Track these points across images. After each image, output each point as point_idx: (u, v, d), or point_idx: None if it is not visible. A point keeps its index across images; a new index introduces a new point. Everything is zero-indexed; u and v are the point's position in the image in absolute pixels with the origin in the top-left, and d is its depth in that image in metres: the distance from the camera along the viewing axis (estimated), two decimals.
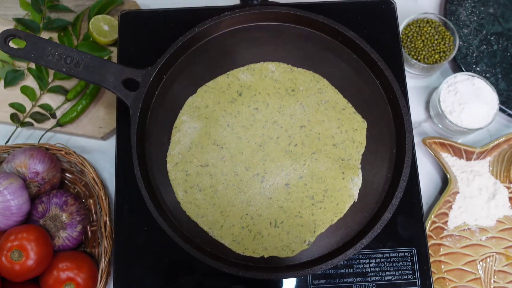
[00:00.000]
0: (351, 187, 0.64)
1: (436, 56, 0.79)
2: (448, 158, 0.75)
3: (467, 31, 0.83)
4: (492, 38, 0.83)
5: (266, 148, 0.65)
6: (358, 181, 0.65)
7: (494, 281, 0.71)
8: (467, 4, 0.85)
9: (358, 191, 0.64)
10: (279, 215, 0.63)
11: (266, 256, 0.62)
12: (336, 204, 0.64)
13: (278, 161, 0.65)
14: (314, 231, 0.63)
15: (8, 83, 0.79)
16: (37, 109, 0.79)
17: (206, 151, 0.65)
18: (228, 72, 0.69)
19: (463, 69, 0.81)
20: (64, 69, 0.64)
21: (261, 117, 0.67)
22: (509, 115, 0.79)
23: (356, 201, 0.64)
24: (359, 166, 0.65)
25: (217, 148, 0.65)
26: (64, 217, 0.69)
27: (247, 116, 0.67)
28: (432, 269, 0.69)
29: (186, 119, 0.67)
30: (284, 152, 0.65)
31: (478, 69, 0.81)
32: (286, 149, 0.65)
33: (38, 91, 0.80)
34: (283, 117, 0.67)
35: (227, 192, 0.64)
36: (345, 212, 0.64)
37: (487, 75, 0.81)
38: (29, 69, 0.80)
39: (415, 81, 0.83)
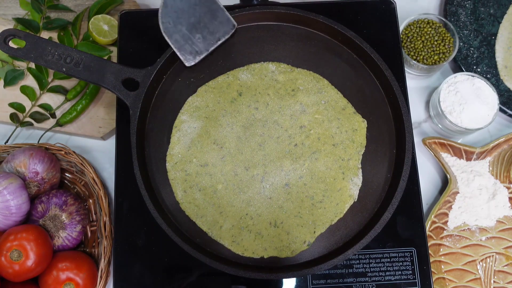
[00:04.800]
0: (351, 187, 0.64)
1: (436, 57, 0.79)
2: (448, 158, 0.75)
3: (467, 32, 0.83)
4: (492, 39, 0.83)
5: (266, 148, 0.65)
6: (358, 181, 0.65)
7: (494, 281, 0.71)
8: (467, 5, 0.84)
9: (358, 191, 0.64)
10: (279, 215, 0.63)
11: (266, 256, 0.62)
12: (336, 204, 0.64)
13: (278, 161, 0.65)
14: (314, 231, 0.63)
15: (8, 83, 0.79)
16: (36, 108, 0.79)
17: (206, 151, 0.65)
18: (228, 72, 0.69)
19: (464, 70, 0.81)
20: (64, 69, 0.64)
21: (261, 116, 0.67)
22: (509, 115, 0.79)
23: (356, 201, 0.64)
24: (359, 166, 0.65)
25: (217, 147, 0.65)
26: (63, 217, 0.69)
27: (247, 116, 0.67)
28: (432, 269, 0.69)
29: (186, 118, 0.67)
30: (284, 152, 0.65)
31: (478, 69, 0.81)
32: (286, 149, 0.65)
33: (37, 91, 0.80)
34: (283, 117, 0.67)
35: (226, 192, 0.64)
36: (345, 212, 0.64)
37: (488, 75, 0.81)
38: (29, 69, 0.80)
39: (415, 81, 0.83)
